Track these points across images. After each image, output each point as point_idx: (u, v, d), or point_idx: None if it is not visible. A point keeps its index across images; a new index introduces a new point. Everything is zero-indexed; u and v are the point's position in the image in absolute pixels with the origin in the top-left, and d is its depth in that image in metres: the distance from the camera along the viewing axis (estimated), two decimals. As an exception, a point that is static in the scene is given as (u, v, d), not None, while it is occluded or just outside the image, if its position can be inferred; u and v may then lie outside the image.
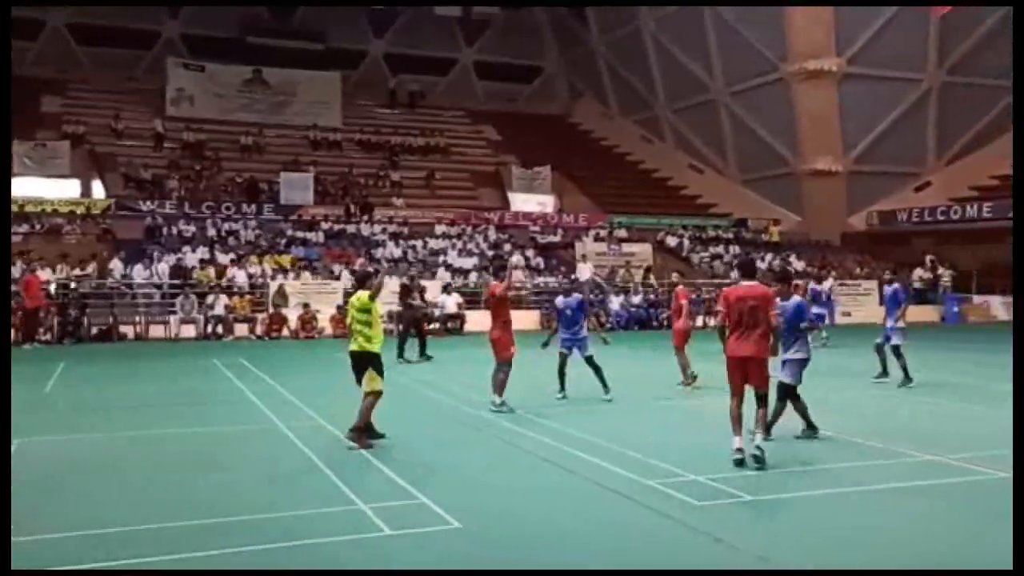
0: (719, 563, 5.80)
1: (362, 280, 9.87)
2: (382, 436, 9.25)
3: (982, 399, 12.67)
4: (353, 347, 9.25)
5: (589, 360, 12.23)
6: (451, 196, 38.14)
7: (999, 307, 30.14)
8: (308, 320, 24.06)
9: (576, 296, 12.56)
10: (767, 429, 8.82)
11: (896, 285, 15.19)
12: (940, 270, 32.92)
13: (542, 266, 31.16)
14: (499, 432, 10.12)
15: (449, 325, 25.06)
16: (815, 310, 19.89)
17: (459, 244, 32.12)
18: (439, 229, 33.74)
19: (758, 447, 8.18)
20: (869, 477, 7.93)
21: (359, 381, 9.22)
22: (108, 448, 9.28)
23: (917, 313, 31.28)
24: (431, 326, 24.51)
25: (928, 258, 33.92)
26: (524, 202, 38.01)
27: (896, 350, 14.04)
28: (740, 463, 8.11)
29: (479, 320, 25.19)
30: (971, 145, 38.39)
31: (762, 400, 8.42)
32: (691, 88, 40.72)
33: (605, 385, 12.30)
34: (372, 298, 9.21)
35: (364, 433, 9.09)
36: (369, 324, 9.14)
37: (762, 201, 40.05)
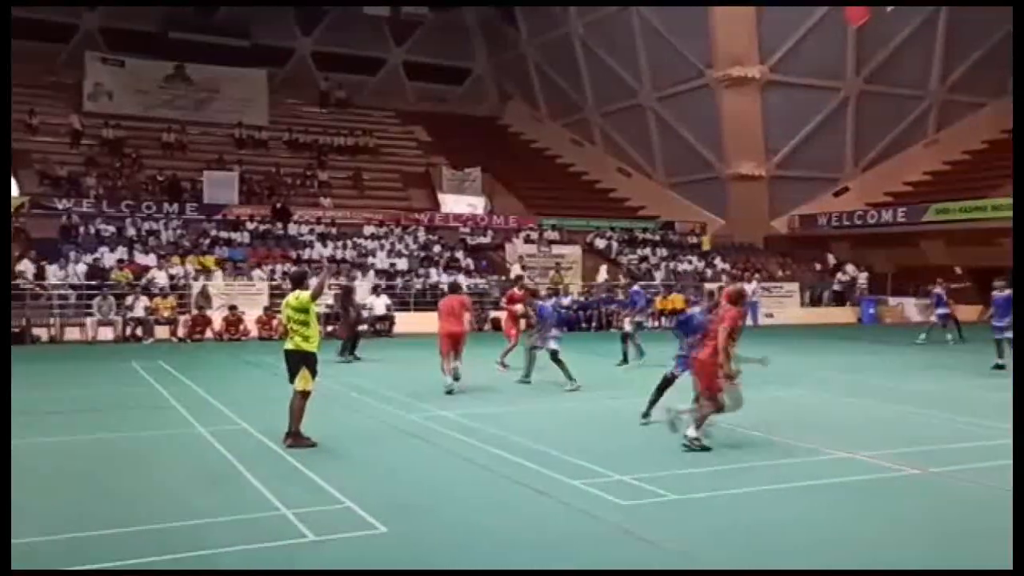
0: (644, 562, 5.86)
1: (298, 280, 9.80)
2: (313, 445, 9.10)
3: (897, 399, 13.11)
4: (289, 346, 9.24)
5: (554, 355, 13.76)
6: (380, 197, 37.83)
7: (912, 309, 31.26)
8: (234, 322, 23.55)
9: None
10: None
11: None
12: (847, 273, 34.05)
13: (472, 267, 31.12)
14: (426, 435, 10.06)
15: (378, 327, 24.82)
16: None
17: (388, 245, 31.87)
18: (368, 230, 33.42)
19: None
20: (790, 475, 8.14)
21: (292, 380, 9.17)
22: (20, 456, 8.90)
23: (836, 314, 32.46)
24: (360, 328, 24.31)
25: (832, 259, 35.05)
26: (454, 203, 37.92)
27: None
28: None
29: (408, 321, 25.12)
30: (886, 152, 39.76)
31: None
32: (619, 92, 41.20)
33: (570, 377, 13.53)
34: (314, 298, 9.22)
35: (299, 435, 9.05)
36: (306, 324, 9.15)
37: (688, 204, 40.75)
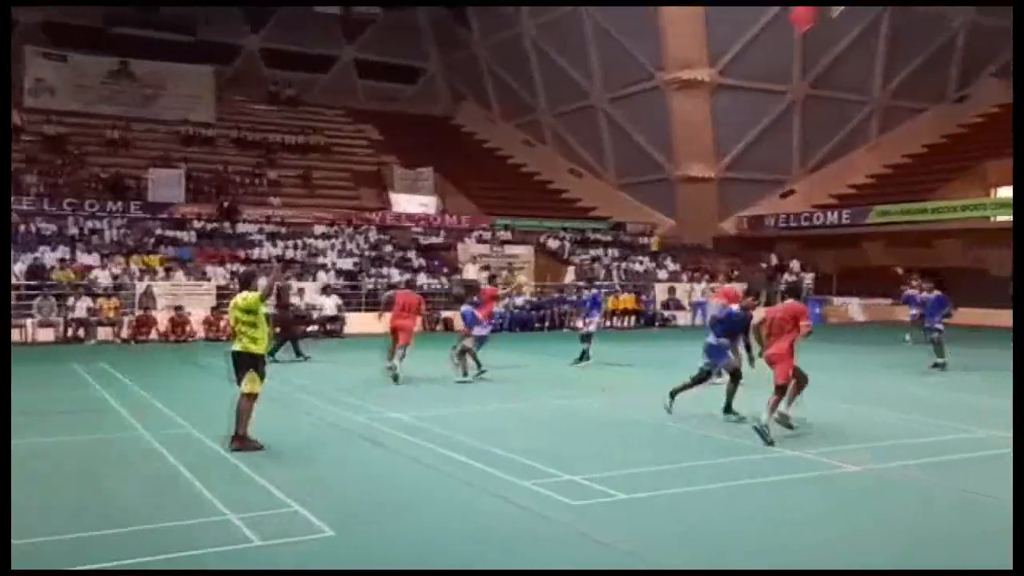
0: (597, 563, 5.89)
1: (247, 280, 9.70)
2: (260, 448, 8.95)
3: (841, 397, 13.37)
4: (236, 347, 9.11)
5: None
6: (331, 196, 37.47)
7: (856, 309, 31.94)
8: (180, 323, 23.12)
9: None
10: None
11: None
12: (792, 272, 34.68)
13: (424, 267, 30.98)
14: (375, 437, 9.99)
15: (328, 327, 24.59)
16: None
17: (339, 244, 31.59)
18: (318, 229, 33.09)
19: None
20: (737, 472, 8.25)
21: (239, 382, 9.05)
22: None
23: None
24: (309, 328, 24.06)
25: (773, 260, 35.68)
26: (406, 203, 37.74)
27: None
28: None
29: (360, 322, 24.91)
30: (831, 155, 40.59)
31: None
32: (571, 94, 41.41)
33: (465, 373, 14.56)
34: (263, 299, 9.16)
35: (246, 438, 8.93)
36: (254, 325, 9.05)
37: (639, 205, 41.12)
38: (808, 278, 34.54)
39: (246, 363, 9.03)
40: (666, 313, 30.50)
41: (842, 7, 30.21)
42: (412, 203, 37.71)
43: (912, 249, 30.79)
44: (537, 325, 27.82)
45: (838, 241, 34.60)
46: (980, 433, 10.35)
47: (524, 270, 31.92)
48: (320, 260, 29.65)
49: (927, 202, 32.36)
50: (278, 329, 18.40)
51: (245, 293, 9.22)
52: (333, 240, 31.98)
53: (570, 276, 31.58)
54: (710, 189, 39.31)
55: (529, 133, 45.78)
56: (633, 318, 29.46)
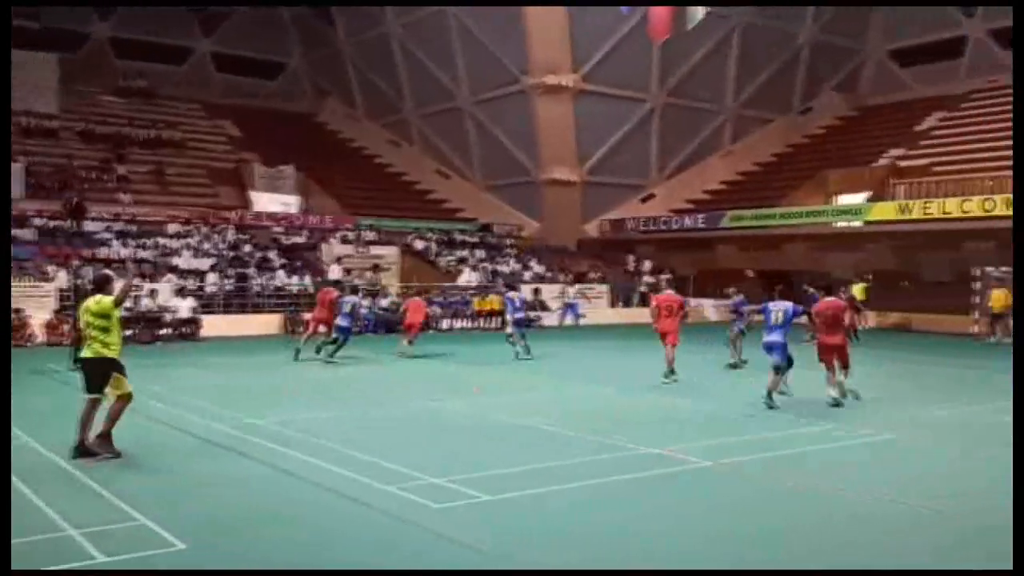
0: (453, 564, 5.88)
1: (100, 283, 9.31)
2: (117, 455, 8.63)
3: (691, 394, 13.92)
4: (87, 353, 8.80)
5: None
6: (186, 193, 35.87)
7: (711, 310, 33.29)
8: (18, 326, 21.58)
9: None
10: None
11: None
12: (642, 273, 35.92)
13: (286, 267, 30.14)
14: (234, 444, 9.64)
15: (183, 330, 23.55)
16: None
17: (194, 244, 30.30)
18: (172, 228, 31.61)
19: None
20: (600, 471, 8.44)
21: (90, 389, 8.72)
22: None
23: (643, 315, 34.01)
24: (162, 331, 23.00)
25: (633, 262, 36.87)
26: (267, 202, 36.61)
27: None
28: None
29: (216, 325, 24.03)
30: (688, 162, 42.24)
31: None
32: (438, 94, 41.33)
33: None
34: (117, 304, 8.90)
35: (108, 439, 8.68)
36: (107, 330, 8.79)
37: (506, 207, 41.50)
38: (664, 280, 35.73)
39: (100, 368, 8.75)
40: (532, 314, 30.85)
41: (699, 18, 31.42)
42: (273, 202, 36.62)
43: (762, 252, 32.42)
44: (401, 327, 27.53)
45: (694, 244, 36.01)
46: (821, 427, 10.99)
47: (390, 271, 31.61)
48: (174, 260, 28.35)
49: (775, 208, 34.14)
50: (129, 332, 17.51)
51: (99, 296, 8.91)
52: (188, 240, 30.64)
53: (465, 277, 31.64)
54: (574, 192, 40.12)
55: (395, 133, 45.39)
56: (499, 319, 29.65)
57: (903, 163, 35.27)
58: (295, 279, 28.91)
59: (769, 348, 12.63)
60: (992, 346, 23.03)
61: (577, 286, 31.88)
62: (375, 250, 32.74)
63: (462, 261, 34.66)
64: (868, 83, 44.48)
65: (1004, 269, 24.68)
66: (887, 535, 6.57)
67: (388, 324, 27.26)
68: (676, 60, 38.56)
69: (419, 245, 35.59)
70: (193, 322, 24.01)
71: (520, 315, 19.48)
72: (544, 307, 31.22)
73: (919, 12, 39.91)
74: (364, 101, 46.21)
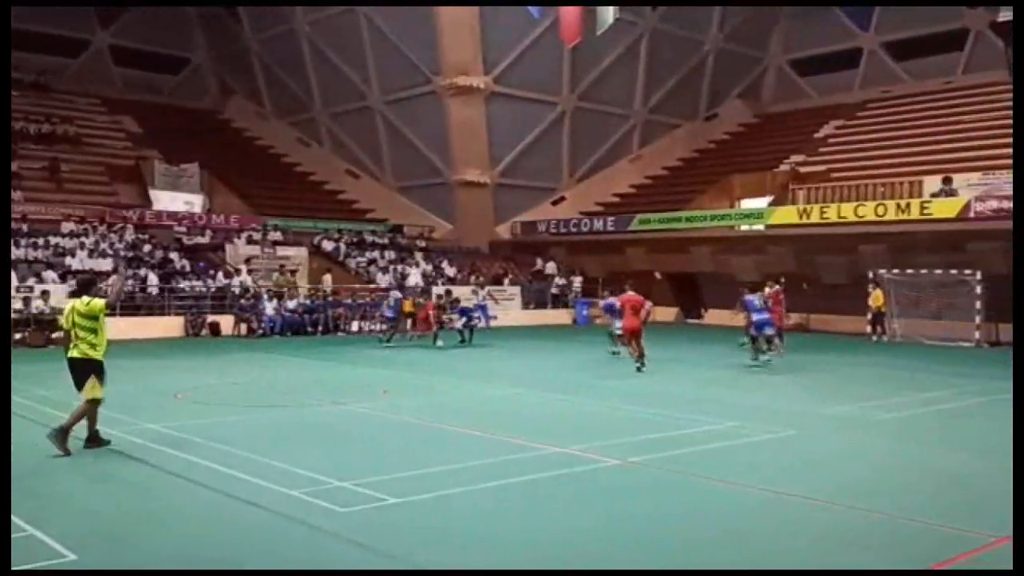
0: (358, 567, 5.76)
1: (86, 285, 9.68)
2: (108, 442, 9.22)
3: (600, 394, 14.08)
4: (74, 354, 9.09)
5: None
6: (82, 191, 34.35)
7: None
8: None
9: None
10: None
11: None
12: (545, 273, 36.32)
13: (188, 269, 29.21)
14: (132, 450, 9.25)
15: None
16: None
17: (90, 244, 29.05)
18: (67, 227, 30.25)
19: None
20: (506, 471, 8.42)
21: (80, 387, 9.10)
22: None
23: (553, 316, 34.34)
24: (56, 334, 21.95)
25: (540, 263, 37.22)
26: (169, 201, 35.42)
27: None
28: None
29: (114, 327, 23.03)
30: (598, 165, 42.79)
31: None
32: (348, 94, 40.78)
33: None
34: (110, 307, 9.37)
35: (66, 436, 8.96)
36: (95, 331, 9.07)
37: (417, 208, 41.23)
38: (576, 282, 36.13)
39: (86, 369, 9.05)
40: (443, 316, 30.67)
41: (608, 23, 31.85)
42: (175, 201, 35.45)
43: (670, 255, 33.08)
44: (310, 329, 27.09)
45: (604, 247, 36.49)
46: (727, 425, 11.25)
47: (298, 272, 31.01)
48: (67, 261, 27.13)
49: (682, 212, 34.91)
50: (18, 336, 16.70)
51: (86, 298, 9.17)
52: (83, 239, 29.37)
53: (414, 279, 31.35)
54: (486, 194, 40.16)
55: (304, 132, 44.57)
56: (410, 321, 29.38)
57: (803, 169, 36.56)
58: (198, 281, 28.06)
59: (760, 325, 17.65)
60: (876, 344, 24.04)
61: (487, 288, 31.88)
62: (282, 251, 32.09)
63: (372, 263, 34.28)
64: (770, 91, 45.97)
65: (896, 271, 25.84)
66: (785, 525, 6.76)
67: (295, 326, 26.75)
68: (586, 65, 39.06)
69: (328, 246, 35.05)
70: (89, 325, 22.99)
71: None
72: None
73: (818, 23, 41.46)
74: (272, 99, 45.23)
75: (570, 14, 32.26)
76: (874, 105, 39.91)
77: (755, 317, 17.81)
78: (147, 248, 30.02)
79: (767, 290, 20.44)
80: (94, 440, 9.20)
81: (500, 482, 8.00)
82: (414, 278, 32.28)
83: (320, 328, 27.29)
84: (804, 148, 38.62)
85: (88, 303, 9.10)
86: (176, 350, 20.52)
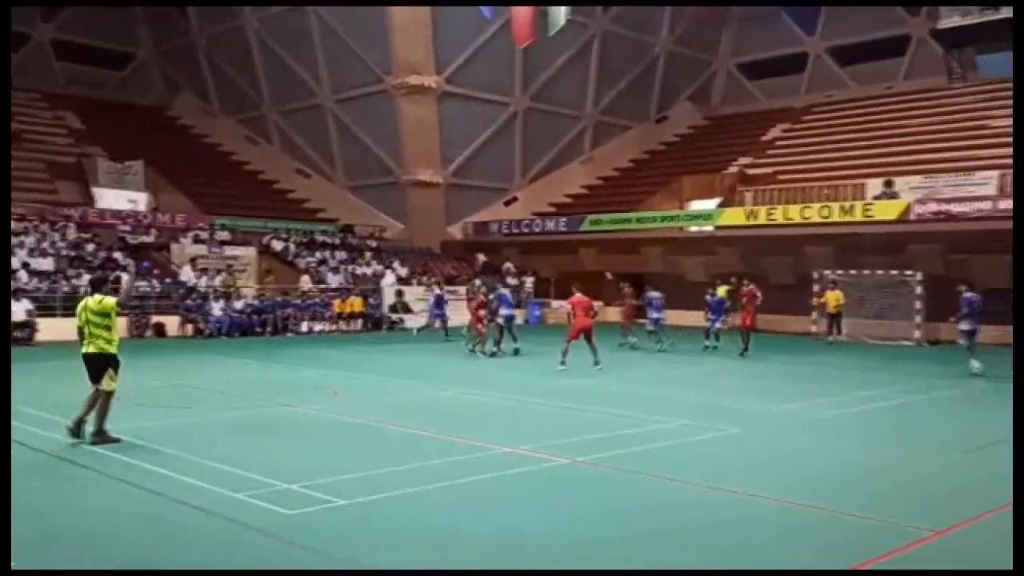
0: (305, 568, 5.71)
1: (98, 284, 10.12)
2: (119, 441, 9.44)
3: (548, 394, 14.13)
4: (91, 349, 9.52)
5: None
6: (22, 189, 33.34)
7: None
8: None
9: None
10: None
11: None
12: (524, 278, 36.36)
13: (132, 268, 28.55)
14: (73, 456, 9.04)
15: (18, 335, 21.95)
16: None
17: (31, 243, 28.30)
18: (6, 226, 29.42)
19: None
20: (458, 471, 8.41)
21: (95, 381, 9.48)
22: None
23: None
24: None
25: (506, 266, 37.27)
26: (113, 199, 34.64)
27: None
28: None
29: (54, 329, 22.53)
30: (550, 166, 42.98)
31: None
32: (298, 92, 40.34)
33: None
34: (121, 305, 9.83)
35: (105, 433, 9.49)
36: (108, 328, 9.55)
37: (368, 208, 40.95)
38: (528, 282, 36.22)
39: (103, 363, 9.48)
40: (394, 316, 30.59)
41: (560, 24, 31.98)
42: (119, 199, 34.67)
43: (621, 255, 33.33)
44: (258, 330, 26.75)
45: (556, 247, 36.65)
46: (675, 423, 11.38)
47: (246, 272, 30.60)
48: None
49: (633, 213, 35.22)
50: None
51: (98, 296, 9.62)
52: (24, 238, 28.59)
53: (388, 280, 31.30)
54: (438, 194, 40.05)
55: (253, 130, 43.97)
56: (360, 321, 29.26)
57: (751, 171, 37.15)
58: (143, 281, 27.50)
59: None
60: (830, 345, 24.52)
61: (439, 290, 31.67)
62: (230, 251, 31.63)
63: (323, 262, 33.95)
64: (719, 94, 46.64)
65: (840, 272, 26.39)
66: (730, 522, 6.86)
67: (243, 327, 26.40)
68: (538, 66, 39.21)
69: (277, 246, 34.62)
70: (28, 326, 22.46)
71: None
72: (407, 309, 30.98)
73: (765, 28, 42.16)
74: (219, 96, 44.54)
75: (522, 15, 32.33)
76: (819, 109, 40.73)
77: (653, 315, 21.52)
78: (90, 248, 29.36)
79: (743, 288, 21.22)
80: (102, 435, 9.49)
81: (449, 483, 7.99)
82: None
83: (269, 329, 26.97)
84: (752, 151, 39.24)
85: (100, 301, 9.55)
86: (139, 350, 20.09)
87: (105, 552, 6.00)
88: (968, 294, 17.48)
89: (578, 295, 18.12)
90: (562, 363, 17.07)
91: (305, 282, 30.43)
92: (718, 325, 21.81)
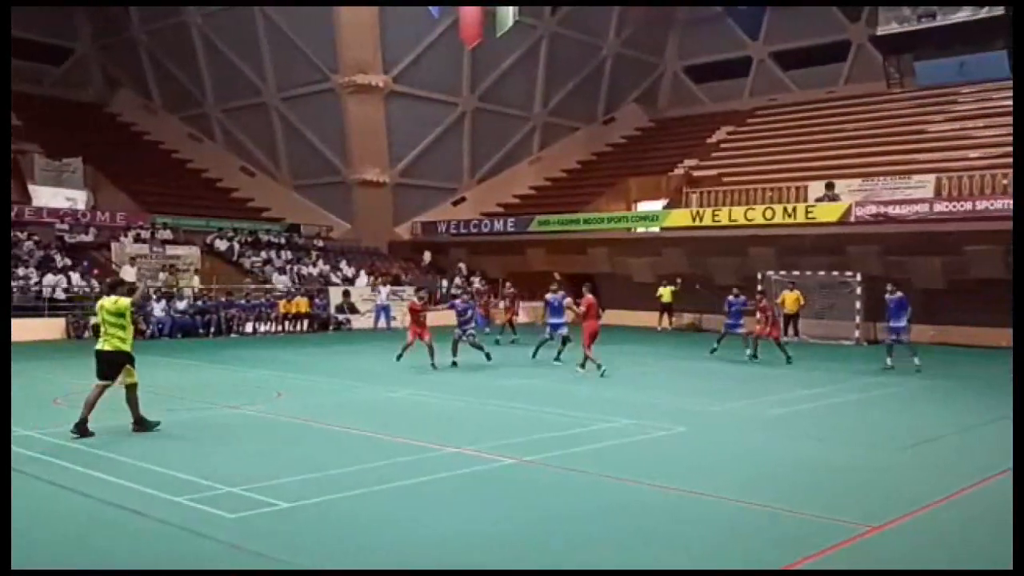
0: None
1: (113, 286, 10.79)
2: (157, 423, 10.41)
3: (497, 394, 14.13)
4: (106, 347, 10.16)
5: None
6: (-47, 186, 32.41)
7: (520, 312, 33.99)
8: None
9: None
10: None
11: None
12: (472, 279, 36.29)
13: (70, 268, 27.86)
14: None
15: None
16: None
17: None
18: (-64, 224, 28.43)
19: None
20: (404, 473, 8.35)
21: (104, 377, 10.13)
22: None
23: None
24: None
25: (459, 266, 37.20)
26: (50, 197, 33.68)
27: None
28: None
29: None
30: (498, 166, 42.95)
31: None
32: (242, 89, 39.68)
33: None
34: (135, 305, 10.54)
35: (143, 421, 10.32)
36: (123, 327, 10.18)
37: (315, 207, 40.46)
38: (477, 282, 36.16)
39: (118, 360, 10.13)
40: (340, 317, 30.30)
41: (508, 25, 31.97)
42: (57, 197, 33.73)
43: (569, 256, 33.45)
44: (202, 331, 26.26)
45: (505, 247, 36.64)
46: (622, 423, 11.46)
47: (189, 272, 30.02)
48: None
49: (580, 213, 35.39)
50: None
51: (114, 297, 10.29)
52: (-45, 236, 27.65)
53: (362, 280, 30.72)
54: (385, 194, 39.75)
55: (196, 127, 43.11)
56: (306, 322, 28.92)
57: (696, 173, 37.60)
58: (77, 278, 26.82)
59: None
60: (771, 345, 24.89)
61: (388, 288, 31.53)
62: (172, 250, 31.01)
63: (268, 262, 33.48)
64: (666, 97, 47.12)
65: (783, 273, 26.86)
66: (673, 520, 6.93)
67: (186, 327, 25.90)
68: (486, 66, 39.18)
69: (221, 245, 34.04)
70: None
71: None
72: (353, 309, 30.71)
73: (711, 32, 42.72)
74: (161, 92, 43.59)
75: (470, 15, 32.26)
76: (762, 112, 41.42)
77: (551, 320, 19.19)
78: (27, 246, 28.51)
79: (754, 302, 20.45)
80: (140, 424, 10.28)
81: (395, 484, 7.93)
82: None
83: (212, 330, 26.49)
84: (697, 153, 39.73)
85: (116, 301, 10.22)
86: (57, 353, 19.54)
87: (34, 556, 5.81)
88: (891, 295, 18.26)
89: (589, 296, 17.03)
90: (598, 367, 16.27)
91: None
92: (740, 330, 20.55)
